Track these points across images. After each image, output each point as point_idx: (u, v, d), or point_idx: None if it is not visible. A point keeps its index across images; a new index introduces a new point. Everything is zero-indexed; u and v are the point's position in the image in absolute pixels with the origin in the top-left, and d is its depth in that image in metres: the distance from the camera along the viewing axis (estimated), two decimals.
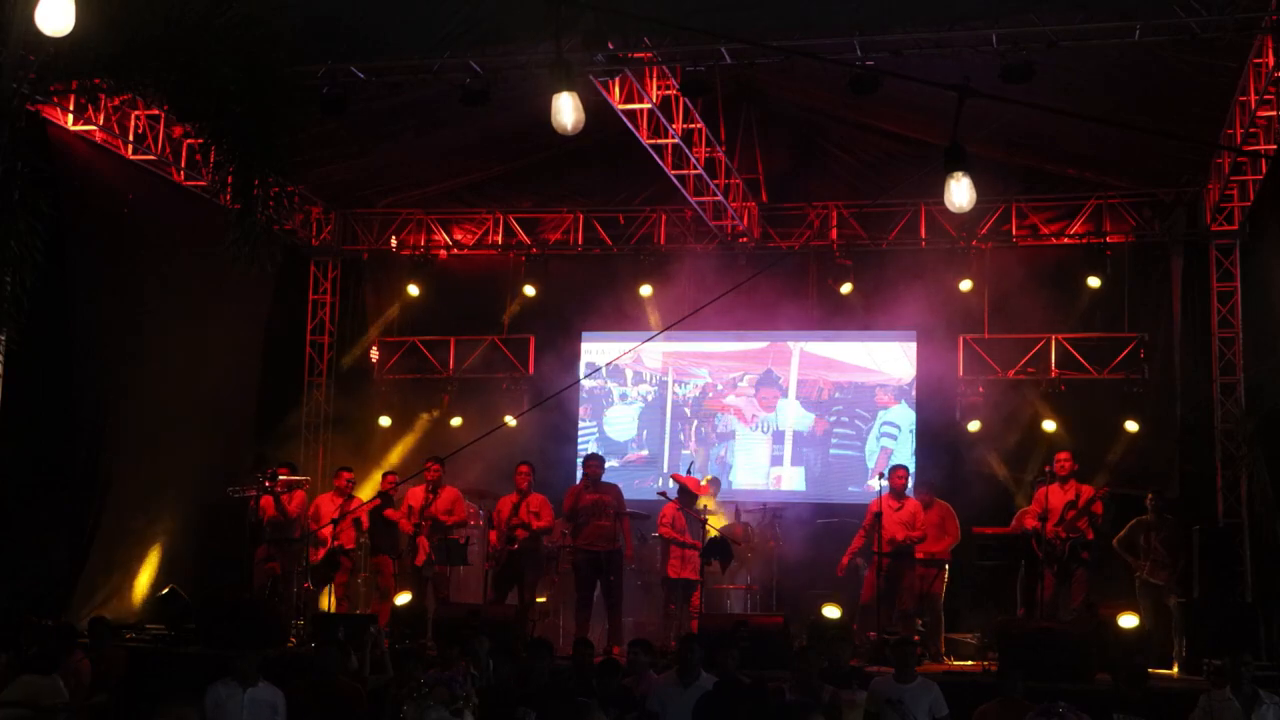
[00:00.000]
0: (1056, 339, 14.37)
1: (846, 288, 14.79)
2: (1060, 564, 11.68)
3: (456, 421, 15.36)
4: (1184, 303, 14.15)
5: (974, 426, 14.27)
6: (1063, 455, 12.09)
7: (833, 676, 8.76)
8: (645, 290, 15.10)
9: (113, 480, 12.70)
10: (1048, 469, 12.11)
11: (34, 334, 8.37)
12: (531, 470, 12.57)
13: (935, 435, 14.55)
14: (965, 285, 14.45)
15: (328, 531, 12.65)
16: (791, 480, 15.05)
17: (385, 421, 15.61)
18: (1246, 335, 13.65)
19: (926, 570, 12.19)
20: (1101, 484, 12.00)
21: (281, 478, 12.65)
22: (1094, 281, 14.06)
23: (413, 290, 15.81)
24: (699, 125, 12.95)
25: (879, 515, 11.79)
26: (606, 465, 12.94)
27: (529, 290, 15.52)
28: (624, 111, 11.82)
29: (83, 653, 9.69)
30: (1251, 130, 11.09)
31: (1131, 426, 13.69)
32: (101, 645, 10.04)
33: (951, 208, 6.58)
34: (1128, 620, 10.72)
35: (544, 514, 12.35)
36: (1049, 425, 13.88)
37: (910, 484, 12.65)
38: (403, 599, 12.20)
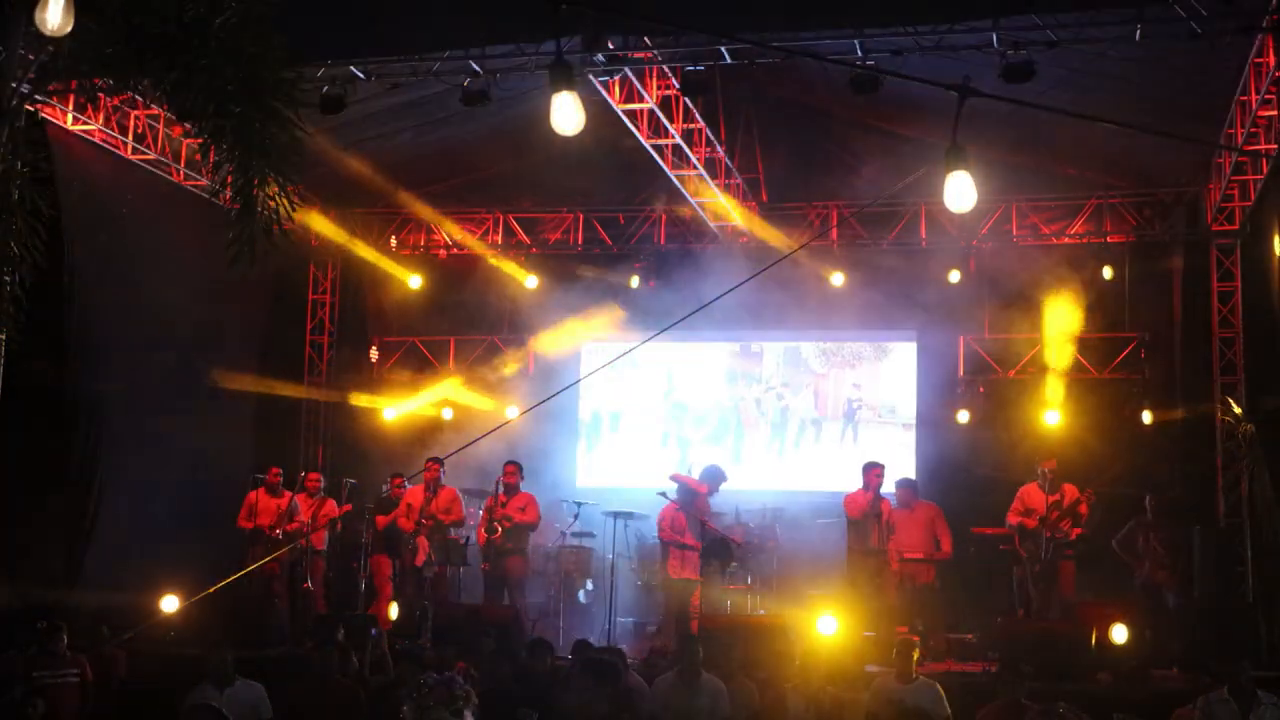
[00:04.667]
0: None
1: (838, 278, 14.79)
2: (1043, 563, 11.67)
3: (449, 414, 15.40)
4: (1184, 303, 14.15)
5: (964, 418, 14.27)
6: (1048, 464, 12.05)
7: (834, 678, 8.77)
8: (634, 282, 15.13)
9: (111, 480, 12.69)
10: (1039, 469, 12.10)
11: (33, 334, 8.36)
12: (519, 469, 12.60)
13: (935, 436, 14.53)
14: (954, 277, 14.47)
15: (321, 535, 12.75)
16: (791, 479, 15.04)
17: (391, 414, 15.61)
18: (1246, 335, 13.64)
19: (914, 568, 12.17)
20: (1088, 488, 11.96)
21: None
22: (1107, 273, 14.06)
23: (413, 284, 15.81)
24: (699, 125, 12.95)
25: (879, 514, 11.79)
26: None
27: (530, 284, 15.54)
28: (624, 111, 11.82)
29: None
30: (1252, 130, 11.09)
31: (1147, 417, 13.68)
32: (101, 645, 10.02)
33: (952, 208, 6.57)
34: (1119, 633, 10.62)
35: (530, 510, 12.45)
36: (1048, 425, 13.86)
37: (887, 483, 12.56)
38: (393, 612, 12.13)
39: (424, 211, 15.94)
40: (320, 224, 15.84)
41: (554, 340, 15.51)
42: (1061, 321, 14.23)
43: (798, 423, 15.26)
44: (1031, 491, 11.91)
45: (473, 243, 15.97)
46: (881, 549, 11.66)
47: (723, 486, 12.70)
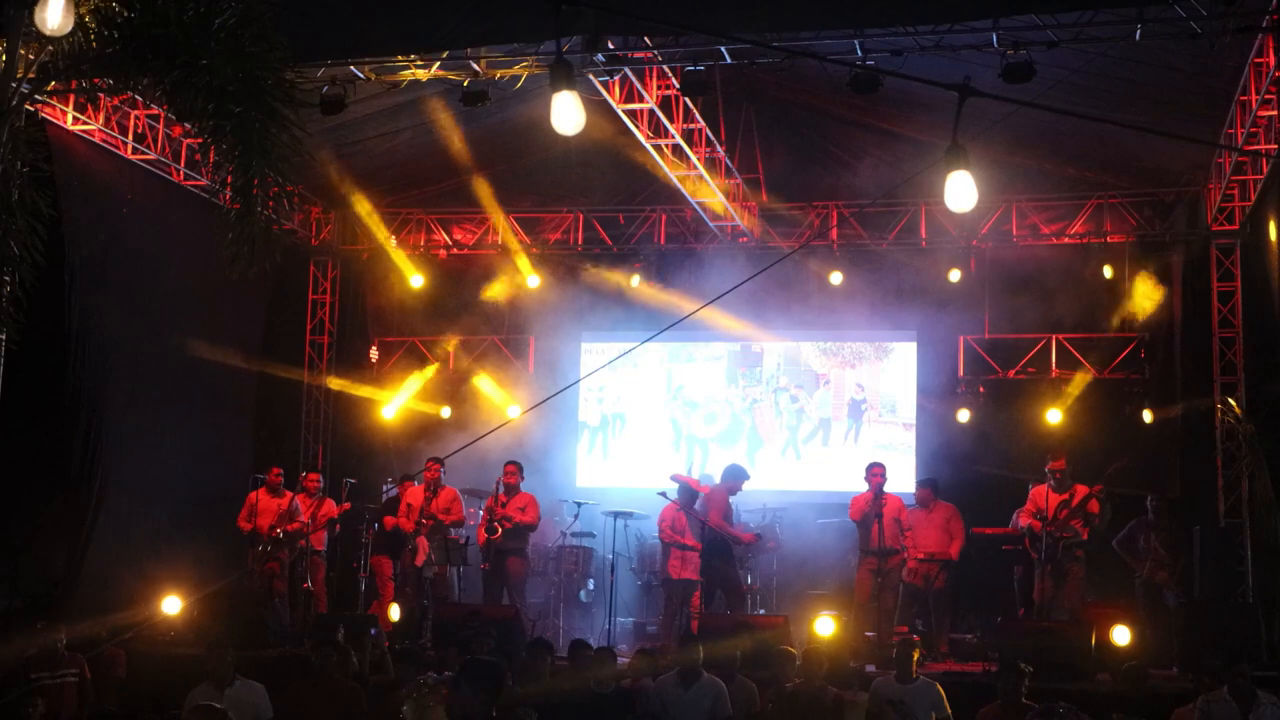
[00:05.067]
0: (1056, 339, 14.38)
1: (836, 277, 14.80)
2: (1054, 563, 11.66)
3: (445, 412, 15.42)
4: (1184, 303, 14.15)
5: (964, 417, 14.28)
6: (1057, 464, 12.04)
7: (834, 678, 8.78)
8: (634, 281, 15.15)
9: (111, 480, 12.69)
10: (1047, 469, 12.10)
11: (33, 334, 8.36)
12: (519, 469, 12.61)
13: (936, 435, 14.53)
14: (954, 275, 14.47)
15: (320, 535, 12.77)
16: (792, 480, 15.03)
17: (388, 414, 15.61)
18: (1246, 335, 13.64)
19: (929, 569, 12.18)
20: (1097, 484, 11.96)
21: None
22: (1107, 271, 14.07)
23: (415, 283, 15.81)
24: (699, 125, 12.95)
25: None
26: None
27: (532, 283, 15.53)
28: (624, 111, 11.82)
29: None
30: (1252, 130, 11.08)
31: (1147, 417, 13.69)
32: (101, 645, 10.02)
33: (952, 208, 6.57)
34: (1120, 633, 10.60)
35: (530, 510, 12.48)
36: (1050, 425, 13.87)
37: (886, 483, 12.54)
38: (394, 613, 12.12)
39: (424, 212, 15.95)
40: (320, 224, 15.69)
41: (554, 340, 15.51)
42: (1061, 322, 14.23)
43: (810, 425, 15.27)
44: (1042, 492, 11.88)
45: (473, 243, 15.92)
46: (883, 548, 11.66)
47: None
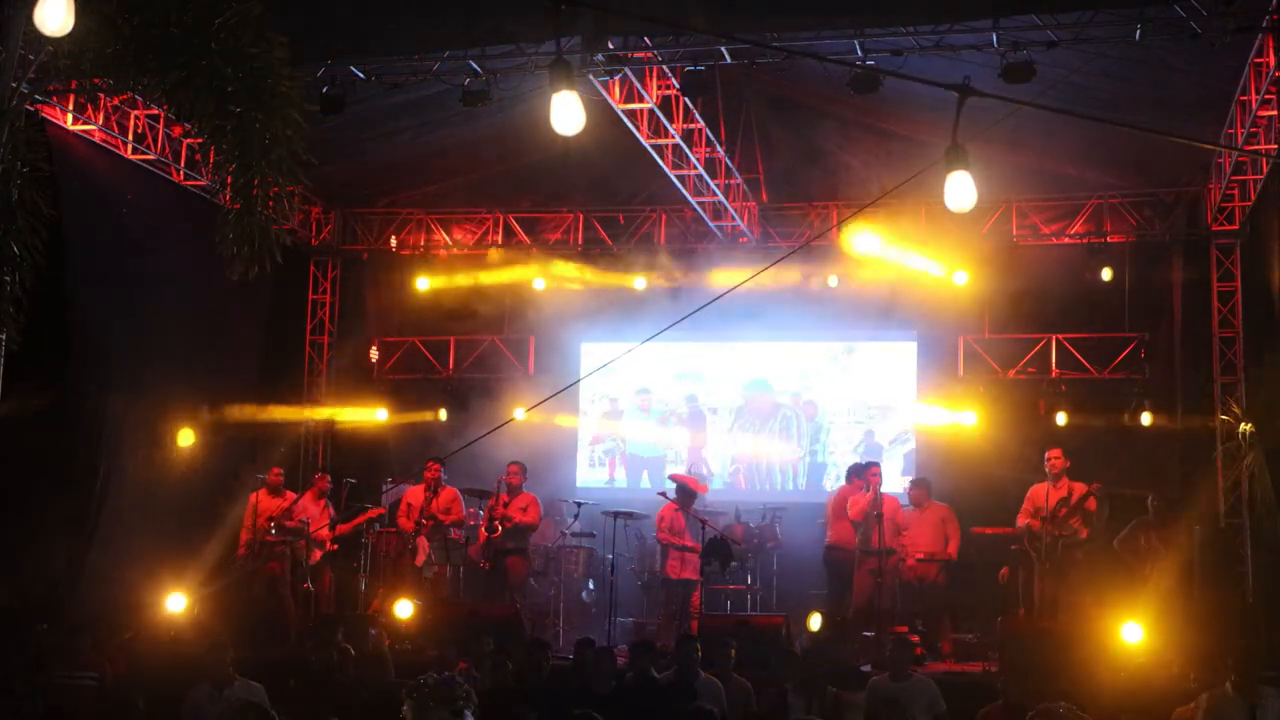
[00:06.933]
0: (1056, 339, 14.38)
1: (833, 280, 14.79)
2: (1052, 562, 11.66)
3: (442, 415, 15.41)
4: (1184, 303, 14.15)
5: (964, 418, 14.29)
6: (1054, 453, 12.03)
7: (834, 677, 8.78)
8: (639, 283, 15.13)
9: (112, 480, 12.70)
10: (1047, 459, 12.11)
11: (33, 334, 8.36)
12: (522, 470, 12.61)
13: (936, 436, 14.53)
14: (959, 278, 14.47)
15: (324, 534, 12.72)
16: (793, 480, 15.04)
17: (382, 415, 15.61)
18: (1246, 335, 13.64)
19: (925, 569, 12.19)
20: (1095, 482, 11.95)
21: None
22: (1106, 274, 14.08)
23: (421, 285, 15.79)
24: (699, 125, 12.95)
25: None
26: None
27: (538, 285, 15.51)
28: (624, 111, 11.82)
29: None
30: (1252, 130, 11.09)
31: (1146, 417, 13.70)
32: (101, 645, 10.01)
33: (952, 208, 6.57)
34: (1120, 632, 10.57)
35: (531, 510, 12.51)
36: (1050, 425, 13.87)
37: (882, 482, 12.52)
38: (402, 610, 12.13)
39: (424, 212, 15.92)
40: (320, 224, 15.80)
41: (554, 340, 15.50)
42: (1061, 322, 14.19)
43: (796, 422, 15.25)
44: (1039, 491, 11.89)
45: (473, 243, 15.89)
46: (883, 549, 11.65)
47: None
